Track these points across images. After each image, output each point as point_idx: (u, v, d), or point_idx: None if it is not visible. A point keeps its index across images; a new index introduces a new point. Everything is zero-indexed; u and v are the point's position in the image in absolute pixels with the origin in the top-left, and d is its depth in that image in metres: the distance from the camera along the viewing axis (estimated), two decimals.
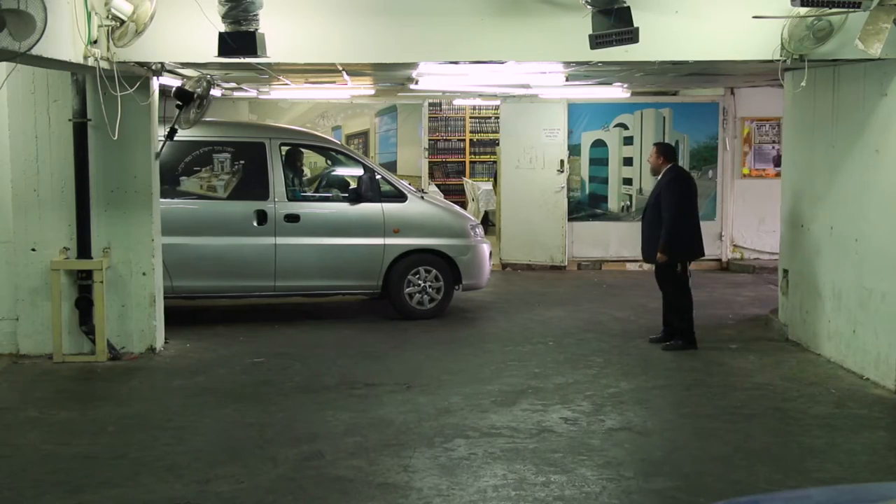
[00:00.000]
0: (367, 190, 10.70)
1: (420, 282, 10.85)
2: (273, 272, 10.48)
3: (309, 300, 11.71)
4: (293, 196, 10.67)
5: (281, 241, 10.43)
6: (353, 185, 11.12)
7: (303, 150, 11.45)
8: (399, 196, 10.95)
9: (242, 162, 10.62)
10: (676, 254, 9.24)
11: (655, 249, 9.22)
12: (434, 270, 10.84)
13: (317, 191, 11.30)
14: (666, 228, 9.13)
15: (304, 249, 10.54)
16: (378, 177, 10.94)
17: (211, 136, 10.64)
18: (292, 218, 10.52)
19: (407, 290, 10.83)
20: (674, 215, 9.13)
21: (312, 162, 13.04)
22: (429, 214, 11.01)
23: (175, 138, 9.57)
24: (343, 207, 10.81)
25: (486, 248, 11.17)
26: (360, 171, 11.05)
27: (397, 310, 10.90)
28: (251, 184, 10.55)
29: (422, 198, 11.22)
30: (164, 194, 9.84)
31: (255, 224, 10.37)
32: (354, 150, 11.47)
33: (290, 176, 10.79)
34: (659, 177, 9.39)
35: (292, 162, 11.14)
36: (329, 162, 11.81)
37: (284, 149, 10.83)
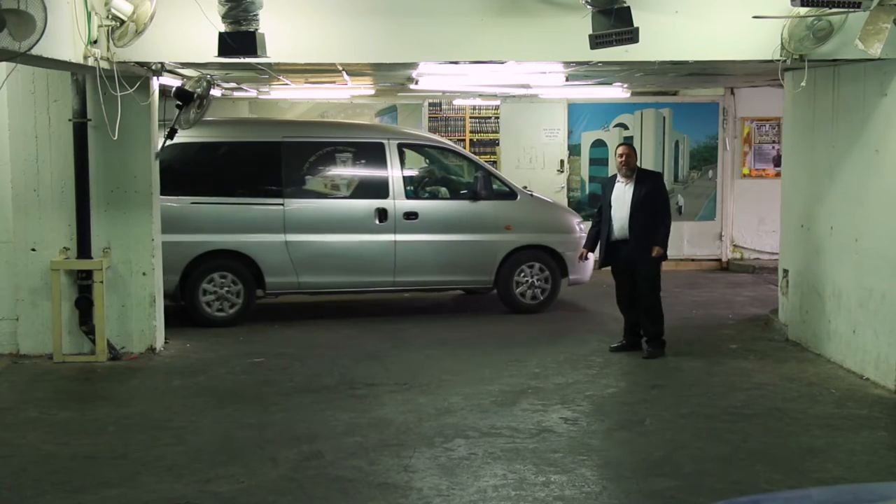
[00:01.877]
0: (482, 188, 11.08)
1: (528, 277, 11.14)
2: (393, 268, 10.78)
3: (306, 299, 11.71)
4: (411, 194, 10.94)
5: (400, 237, 10.73)
6: (456, 182, 11.49)
7: (418, 150, 11.74)
8: (510, 194, 11.29)
9: (363, 162, 11.02)
10: (665, 254, 9.16)
11: (648, 251, 8.94)
12: (537, 264, 11.10)
13: (427, 189, 11.53)
14: (667, 226, 9.09)
15: (423, 246, 10.86)
16: (491, 176, 11.30)
17: (333, 137, 11.09)
18: (411, 215, 10.82)
19: (515, 289, 11.18)
20: (670, 215, 9.15)
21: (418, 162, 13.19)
22: (538, 211, 11.35)
23: (301, 139, 10.21)
24: (458, 205, 11.13)
25: None
26: (471, 171, 11.41)
27: (505, 303, 11.21)
28: (371, 182, 10.89)
29: (531, 196, 11.54)
30: (290, 194, 10.50)
31: (376, 221, 10.63)
32: (468, 151, 11.85)
33: (407, 175, 11.09)
34: (632, 178, 9.06)
35: (430, 162, 11.58)
36: (427, 161, 11.96)
37: (402, 149, 11.11)
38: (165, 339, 9.52)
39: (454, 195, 11.32)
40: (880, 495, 3.46)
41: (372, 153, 10.95)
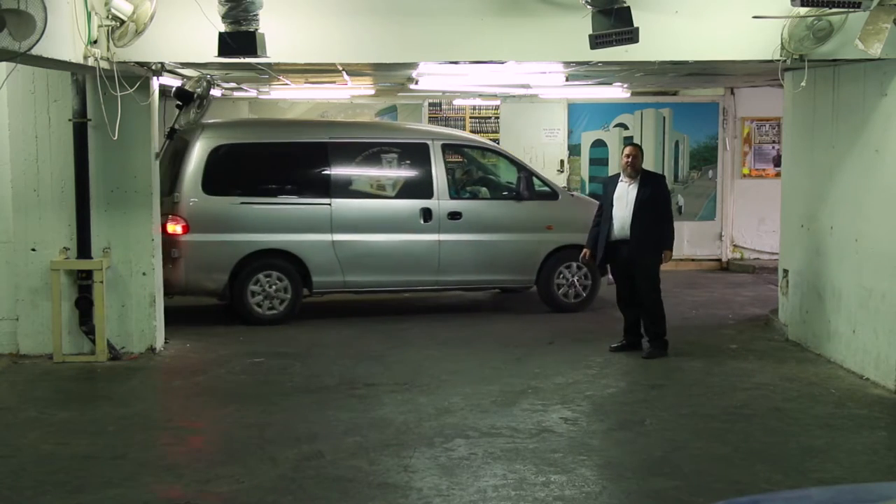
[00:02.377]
0: (525, 189, 11.21)
1: (568, 276, 11.21)
2: (437, 267, 10.89)
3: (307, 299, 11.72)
4: (454, 194, 11.05)
5: (444, 237, 10.82)
6: (498, 182, 11.62)
7: (461, 150, 11.82)
8: (552, 194, 11.41)
9: (408, 162, 11.15)
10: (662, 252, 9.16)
11: (648, 252, 8.95)
12: (577, 264, 11.09)
13: (469, 189, 11.63)
14: (672, 229, 9.10)
15: (466, 245, 10.96)
16: (533, 176, 11.40)
17: (378, 138, 11.25)
18: (455, 215, 10.91)
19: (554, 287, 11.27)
20: (672, 217, 9.18)
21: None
22: (579, 211, 11.26)
23: (347, 139, 10.52)
24: (501, 205, 11.27)
25: None
26: (512, 171, 11.50)
27: (546, 302, 11.31)
28: (416, 182, 10.99)
29: (571, 196, 11.69)
30: (336, 194, 10.62)
31: (420, 221, 10.72)
32: (509, 151, 12.20)
33: (450, 175, 11.18)
34: (635, 179, 9.03)
35: (452, 162, 11.62)
36: (465, 161, 12.03)
37: (445, 149, 11.20)
38: (165, 339, 9.52)
39: (496, 195, 11.48)
40: (880, 495, 3.46)
41: (416, 153, 11.07)
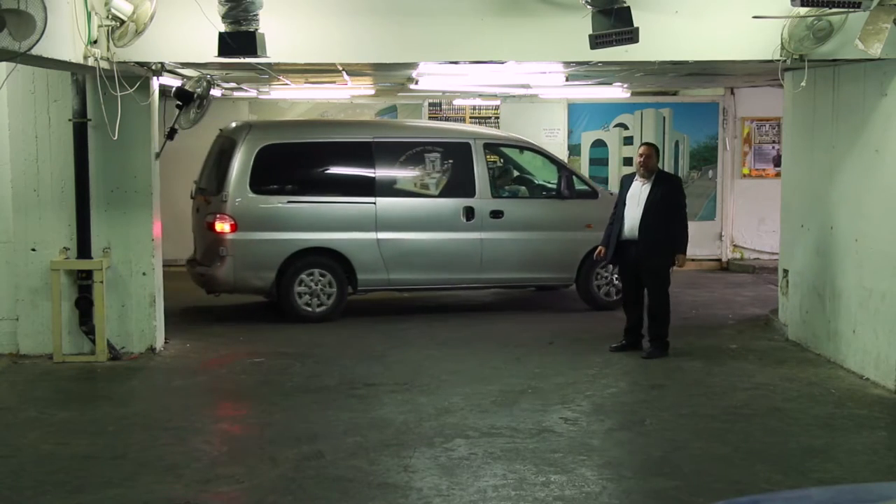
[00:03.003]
0: (566, 188, 11.37)
1: (607, 274, 11.27)
2: (479, 265, 11.00)
3: None
4: (496, 193, 11.14)
5: (486, 235, 10.90)
6: (539, 181, 11.74)
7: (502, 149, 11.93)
8: (592, 193, 11.53)
9: (451, 161, 11.19)
10: (671, 256, 9.11)
11: (656, 253, 8.92)
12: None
13: (509, 188, 11.71)
14: (686, 232, 9.03)
15: (508, 243, 11.07)
16: (573, 175, 11.57)
17: (422, 137, 11.33)
18: (496, 214, 11.03)
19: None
20: (687, 220, 9.12)
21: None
22: None
23: (391, 139, 10.75)
24: (542, 203, 11.45)
25: None
26: (553, 170, 11.64)
27: (585, 300, 11.41)
28: (459, 181, 11.07)
29: (611, 195, 11.68)
30: (381, 192, 10.79)
31: (463, 220, 10.80)
32: (548, 151, 12.38)
33: (492, 174, 11.30)
34: (649, 179, 9.00)
35: (492, 161, 11.76)
36: (501, 160, 12.12)
37: (487, 148, 11.35)
38: (165, 339, 9.52)
39: (537, 194, 11.60)
40: (880, 495, 3.46)
41: (459, 153, 11.17)
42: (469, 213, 10.91)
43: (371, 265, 10.72)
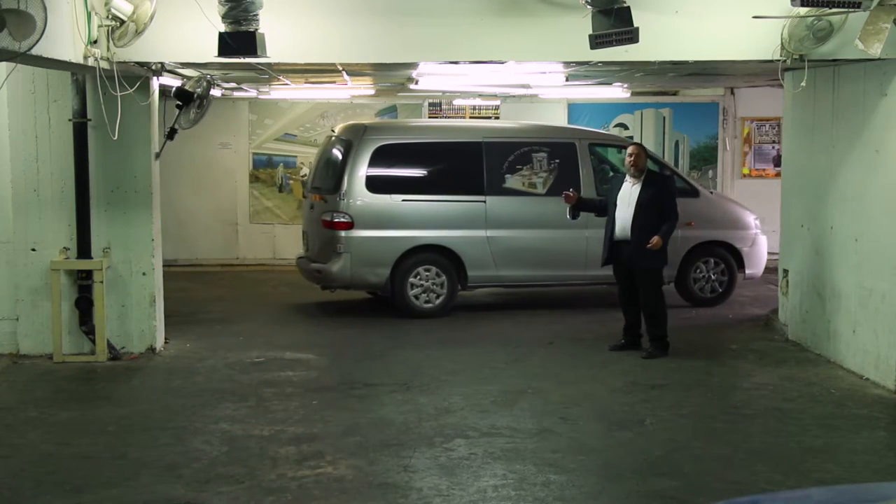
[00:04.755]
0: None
1: (704, 271, 11.58)
2: (584, 262, 11.15)
3: (305, 298, 11.72)
4: (601, 191, 11.16)
5: (591, 233, 10.88)
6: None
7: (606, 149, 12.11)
8: (693, 192, 11.66)
9: (557, 161, 11.41)
10: (663, 258, 9.10)
11: (648, 254, 8.88)
12: (713, 259, 11.54)
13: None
14: (672, 224, 9.00)
15: None
16: (675, 174, 11.70)
17: (529, 138, 11.57)
18: (602, 212, 10.93)
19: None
20: (677, 217, 9.10)
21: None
22: (718, 208, 11.81)
23: (500, 139, 11.04)
24: None
25: (765, 240, 11.95)
26: (655, 168, 11.63)
27: (684, 297, 11.59)
28: (565, 180, 11.14)
29: (711, 193, 11.98)
30: (491, 191, 11.09)
31: (569, 218, 10.73)
32: (651, 151, 12.48)
33: (597, 173, 11.49)
34: (640, 179, 9.00)
35: (597, 160, 11.91)
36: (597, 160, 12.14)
37: (592, 148, 11.56)
38: (165, 339, 9.52)
39: None
40: (880, 495, 3.46)
41: (564, 152, 11.39)
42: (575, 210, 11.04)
43: (481, 262, 11.03)
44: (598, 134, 12.71)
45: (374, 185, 10.81)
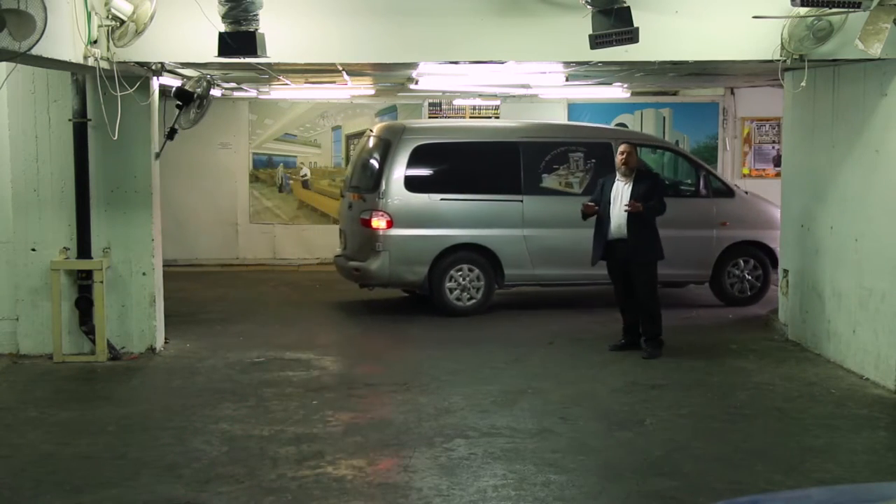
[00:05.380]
0: (704, 187, 11.71)
1: (739, 271, 11.65)
2: None
3: (305, 298, 11.71)
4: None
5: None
6: (677, 180, 12.06)
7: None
8: (728, 192, 11.82)
9: (593, 161, 11.47)
10: (659, 252, 9.14)
11: (643, 252, 8.94)
12: (747, 259, 11.58)
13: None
14: (657, 208, 9.01)
15: None
16: (710, 175, 11.86)
17: (565, 138, 11.65)
18: None
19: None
20: (665, 206, 9.12)
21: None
22: (753, 208, 11.83)
23: (536, 139, 11.16)
24: (680, 202, 11.42)
25: None
26: (690, 169, 11.91)
27: (718, 297, 11.71)
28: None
29: (745, 193, 12.01)
30: (528, 191, 11.18)
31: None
32: (687, 151, 12.76)
33: None
34: (630, 177, 9.04)
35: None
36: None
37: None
38: (165, 339, 9.52)
39: (675, 192, 11.77)
40: (880, 495, 3.46)
41: (600, 152, 11.39)
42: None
43: (518, 261, 11.10)
44: (634, 134, 12.84)
45: (413, 184, 10.91)
